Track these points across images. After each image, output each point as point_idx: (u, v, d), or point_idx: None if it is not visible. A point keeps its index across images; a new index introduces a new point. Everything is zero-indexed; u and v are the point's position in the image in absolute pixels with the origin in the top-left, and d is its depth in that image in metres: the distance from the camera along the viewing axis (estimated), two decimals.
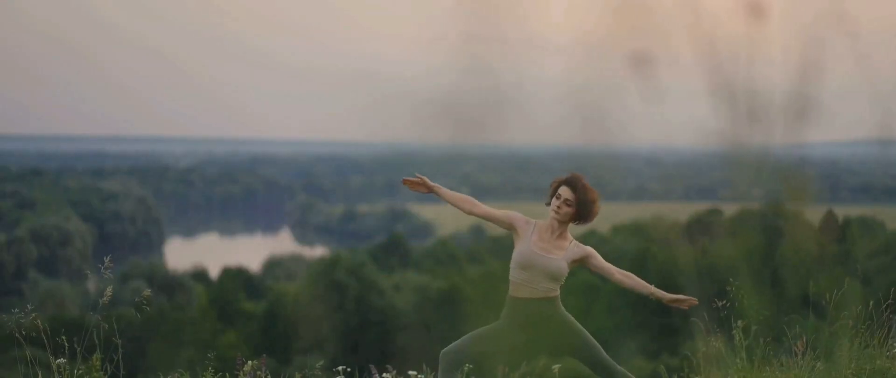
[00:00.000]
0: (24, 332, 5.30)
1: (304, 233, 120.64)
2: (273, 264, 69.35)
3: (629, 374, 5.70)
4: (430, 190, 5.90)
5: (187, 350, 39.53)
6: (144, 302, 5.82)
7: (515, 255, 5.67)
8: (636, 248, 43.78)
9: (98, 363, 5.19)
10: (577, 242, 5.70)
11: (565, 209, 5.64)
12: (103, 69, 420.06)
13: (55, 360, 5.36)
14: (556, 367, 6.85)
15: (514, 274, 5.67)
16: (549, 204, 5.71)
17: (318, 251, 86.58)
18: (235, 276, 53.79)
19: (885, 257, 39.09)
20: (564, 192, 5.65)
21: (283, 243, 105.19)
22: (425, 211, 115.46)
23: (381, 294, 45.84)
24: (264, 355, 6.35)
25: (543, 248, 5.63)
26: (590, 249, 5.72)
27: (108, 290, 5.55)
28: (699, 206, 59.23)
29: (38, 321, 5.27)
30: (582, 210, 5.65)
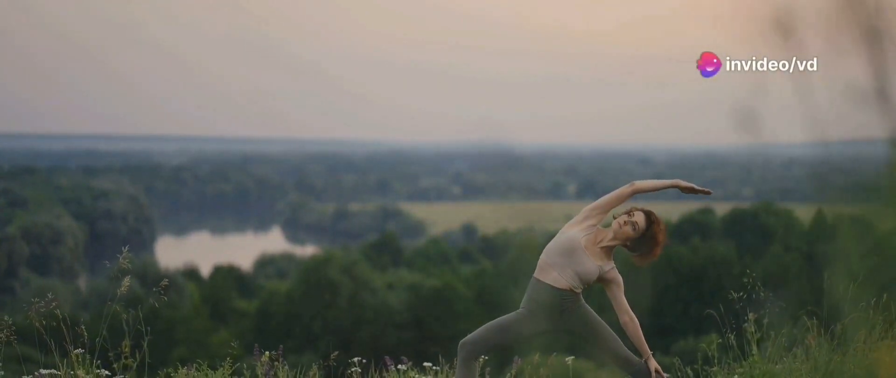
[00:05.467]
0: (43, 321, 5.30)
1: (295, 231, 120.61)
2: (264, 263, 69.44)
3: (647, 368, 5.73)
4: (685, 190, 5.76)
5: (180, 348, 39.51)
6: (162, 291, 5.83)
7: (565, 238, 5.66)
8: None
9: (128, 349, 5.21)
10: (616, 268, 5.72)
11: (627, 229, 5.64)
12: (96, 66, 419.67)
13: (73, 349, 5.37)
14: (569, 359, 6.88)
15: (549, 255, 5.67)
16: (616, 217, 5.71)
17: (309, 250, 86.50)
18: (227, 275, 53.71)
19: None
20: (638, 216, 5.67)
21: (274, 242, 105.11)
22: (417, 210, 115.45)
23: (373, 292, 45.83)
24: (281, 345, 6.35)
25: (588, 248, 5.65)
26: (621, 280, 5.73)
27: (127, 280, 5.56)
28: (690, 206, 59.37)
29: (58, 311, 5.27)
30: (643, 241, 5.67)
